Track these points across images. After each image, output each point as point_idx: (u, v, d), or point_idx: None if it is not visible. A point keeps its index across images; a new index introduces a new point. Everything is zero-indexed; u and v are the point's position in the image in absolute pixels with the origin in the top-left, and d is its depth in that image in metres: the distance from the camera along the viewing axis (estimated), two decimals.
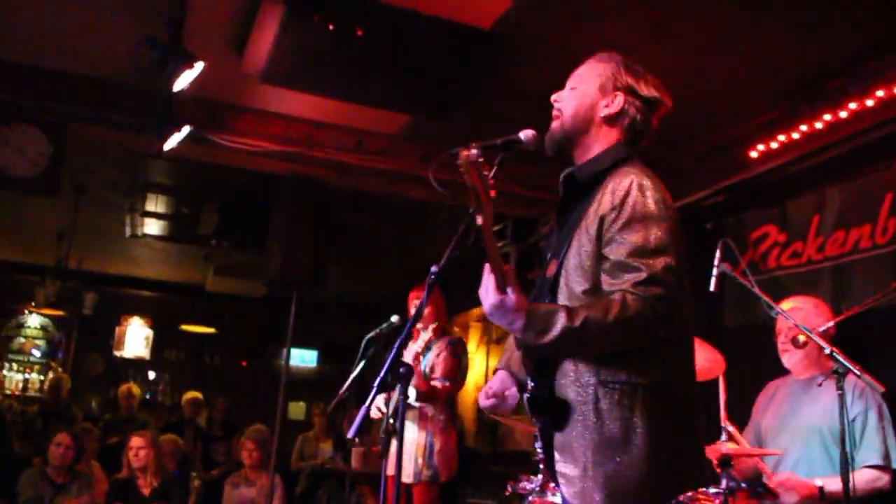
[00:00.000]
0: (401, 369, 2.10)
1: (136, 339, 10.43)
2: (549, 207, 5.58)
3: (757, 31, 3.86)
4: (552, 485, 3.22)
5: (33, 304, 8.55)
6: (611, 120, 2.17)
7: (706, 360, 3.37)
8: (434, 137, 5.05)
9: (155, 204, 6.95)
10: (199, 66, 3.94)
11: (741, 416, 3.66)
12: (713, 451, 3.07)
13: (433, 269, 2.08)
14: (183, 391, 8.90)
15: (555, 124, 2.22)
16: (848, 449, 2.78)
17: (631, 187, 2.00)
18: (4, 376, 9.82)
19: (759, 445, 3.56)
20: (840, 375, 2.80)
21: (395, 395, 4.63)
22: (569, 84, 2.26)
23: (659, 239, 1.94)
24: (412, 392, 4.55)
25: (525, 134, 2.14)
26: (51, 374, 9.09)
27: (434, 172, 2.09)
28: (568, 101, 2.22)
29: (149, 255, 9.11)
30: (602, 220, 2.01)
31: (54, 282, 7.67)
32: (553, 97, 2.26)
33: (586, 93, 2.20)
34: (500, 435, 7.98)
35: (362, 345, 4.37)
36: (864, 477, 3.11)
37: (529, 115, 2.36)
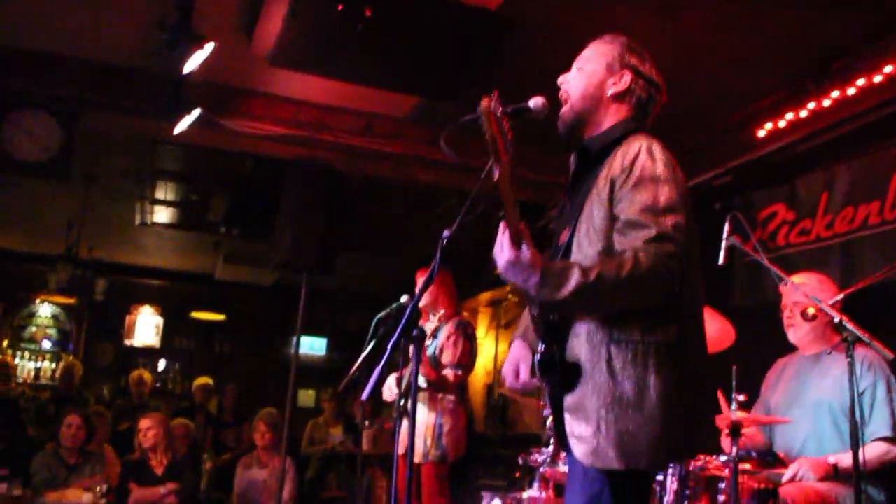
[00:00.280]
0: (414, 332, 2.14)
1: (146, 327, 10.49)
2: (557, 190, 5.59)
3: (764, 10, 3.86)
4: (563, 454, 3.25)
5: (45, 291, 8.58)
6: (619, 97, 2.22)
7: (717, 330, 3.37)
8: (442, 121, 5.04)
9: (165, 191, 6.99)
10: (209, 48, 3.96)
11: (750, 396, 3.66)
12: (723, 420, 3.08)
13: (445, 233, 2.11)
14: (193, 379, 8.94)
15: (565, 108, 2.26)
16: (858, 422, 2.79)
17: (640, 151, 2.05)
18: (17, 364, 9.88)
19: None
20: (850, 344, 2.81)
21: (407, 374, 4.68)
22: (575, 65, 2.30)
23: (668, 198, 1.98)
24: (422, 381, 4.58)
25: (535, 101, 2.16)
26: (62, 363, 9.14)
27: (446, 139, 2.11)
28: (575, 82, 2.25)
29: (158, 244, 9.15)
30: (613, 182, 2.05)
31: (66, 267, 7.71)
32: (560, 79, 2.29)
33: (594, 72, 2.23)
34: (509, 418, 8.01)
35: (372, 324, 4.40)
36: (874, 450, 3.11)
37: (538, 96, 2.37)
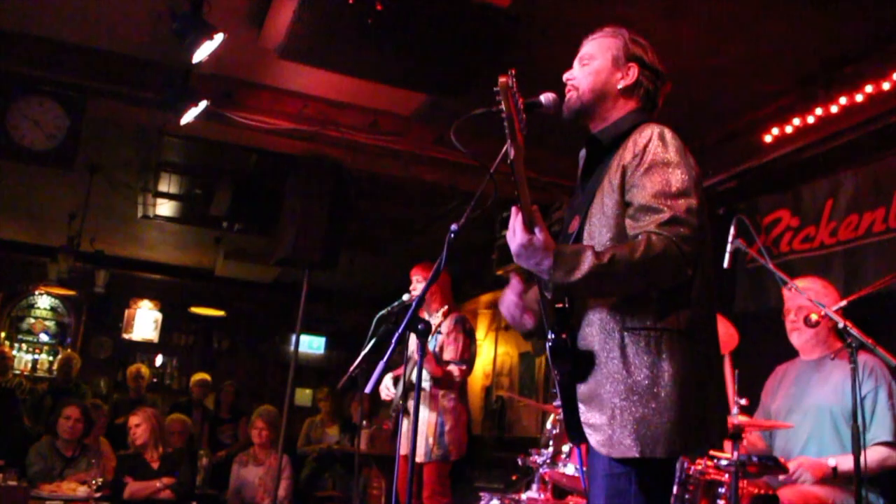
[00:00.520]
0: (420, 326, 2.13)
1: (144, 322, 10.46)
2: (562, 192, 5.59)
3: (772, 15, 3.86)
4: (563, 456, 3.23)
5: (45, 281, 8.56)
6: (628, 91, 2.23)
7: (721, 333, 3.34)
8: (448, 120, 5.04)
9: (168, 184, 6.97)
10: (218, 38, 3.95)
11: (750, 402, 3.65)
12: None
13: (453, 227, 2.10)
14: (191, 374, 8.93)
15: (571, 94, 2.25)
16: (860, 426, 2.79)
17: (652, 137, 2.06)
18: (14, 356, 9.86)
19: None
20: (853, 349, 2.81)
21: (405, 373, 4.67)
22: (578, 61, 2.30)
23: (681, 182, 1.98)
24: (426, 380, 4.56)
25: (546, 97, 2.19)
26: (60, 355, 9.12)
27: (456, 131, 2.10)
28: (583, 77, 2.25)
29: (160, 238, 9.13)
30: (624, 170, 2.05)
31: (67, 259, 7.68)
32: (565, 76, 2.29)
33: (601, 67, 2.24)
34: (506, 421, 7.99)
35: (373, 322, 4.39)
36: (875, 454, 3.12)
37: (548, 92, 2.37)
